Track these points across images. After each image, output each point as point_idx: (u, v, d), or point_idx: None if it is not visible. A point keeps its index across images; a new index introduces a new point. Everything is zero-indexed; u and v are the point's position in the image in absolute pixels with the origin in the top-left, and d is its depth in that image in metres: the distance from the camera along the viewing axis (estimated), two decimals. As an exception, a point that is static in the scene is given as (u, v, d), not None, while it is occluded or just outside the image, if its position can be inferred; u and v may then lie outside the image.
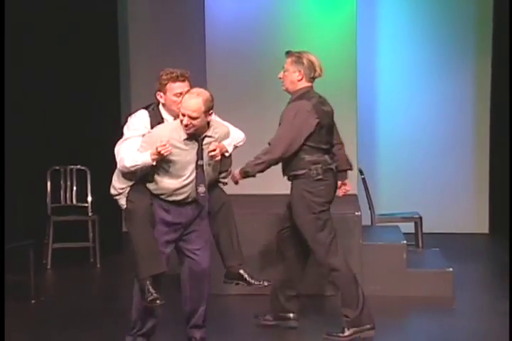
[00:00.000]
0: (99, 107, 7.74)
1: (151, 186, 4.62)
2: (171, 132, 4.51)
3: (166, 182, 4.58)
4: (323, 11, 7.24)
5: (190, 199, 4.64)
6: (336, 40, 7.17)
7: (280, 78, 5.15)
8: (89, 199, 7.49)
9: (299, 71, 5.11)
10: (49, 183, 7.44)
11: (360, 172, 7.42)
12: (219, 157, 4.61)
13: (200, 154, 4.54)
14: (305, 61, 5.11)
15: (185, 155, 4.53)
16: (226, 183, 4.92)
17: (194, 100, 4.45)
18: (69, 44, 7.65)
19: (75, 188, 7.54)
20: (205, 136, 4.56)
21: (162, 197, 4.62)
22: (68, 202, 7.49)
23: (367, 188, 7.40)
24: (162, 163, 4.51)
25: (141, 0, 8.49)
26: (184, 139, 4.50)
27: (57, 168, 7.52)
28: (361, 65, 7.62)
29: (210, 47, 7.11)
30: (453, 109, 8.64)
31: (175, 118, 4.62)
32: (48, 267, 7.16)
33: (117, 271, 7.11)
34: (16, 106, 7.53)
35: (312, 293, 6.03)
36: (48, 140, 7.65)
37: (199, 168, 4.54)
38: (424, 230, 7.34)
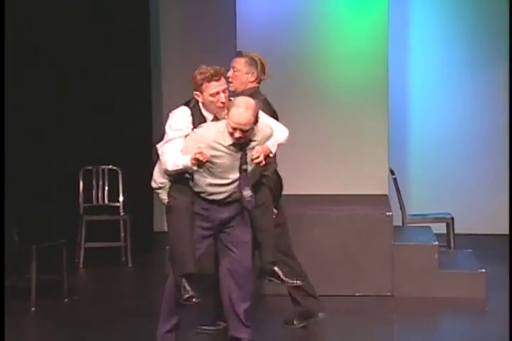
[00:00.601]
0: (130, 107, 7.77)
1: (194, 183, 4.56)
2: (216, 135, 4.47)
3: (207, 182, 4.54)
4: (355, 11, 7.23)
5: (230, 200, 4.60)
6: (368, 40, 7.15)
7: (229, 77, 5.02)
8: (121, 199, 7.51)
9: (252, 73, 5.08)
10: (81, 183, 7.49)
11: (392, 172, 7.40)
12: (263, 163, 4.55)
13: (244, 159, 4.50)
14: (258, 63, 5.10)
15: (228, 159, 4.48)
16: (268, 176, 4.87)
17: (244, 115, 4.39)
18: (101, 44, 7.69)
19: (106, 188, 7.57)
20: (249, 140, 4.50)
21: (202, 195, 4.58)
22: (100, 201, 7.53)
23: (398, 188, 7.37)
24: (206, 165, 4.47)
25: (173, 0, 8.52)
26: (228, 145, 4.45)
27: (90, 168, 7.56)
28: (392, 65, 7.58)
29: (241, 48, 6.87)
30: (484, 109, 8.58)
31: (214, 117, 4.59)
32: (80, 266, 7.20)
33: (148, 270, 7.14)
34: (49, 107, 7.59)
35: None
36: (80, 140, 7.70)
37: (243, 172, 4.50)
38: (456, 231, 7.30)
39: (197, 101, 4.65)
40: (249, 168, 4.53)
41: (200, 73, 4.55)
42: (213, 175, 4.51)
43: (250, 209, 4.60)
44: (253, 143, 4.51)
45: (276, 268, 4.81)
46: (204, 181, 4.54)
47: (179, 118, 4.59)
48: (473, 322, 5.53)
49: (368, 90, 6.97)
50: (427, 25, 8.54)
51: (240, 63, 5.10)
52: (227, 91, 4.61)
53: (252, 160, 4.51)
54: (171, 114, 4.67)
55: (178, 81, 8.04)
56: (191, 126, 4.57)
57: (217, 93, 4.54)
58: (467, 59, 8.51)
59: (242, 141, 4.46)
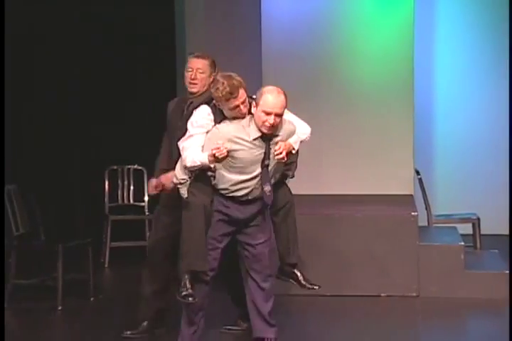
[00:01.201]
0: (156, 108, 7.77)
1: (215, 180, 4.55)
2: (237, 131, 4.45)
3: (228, 178, 4.51)
4: (381, 11, 7.20)
5: (250, 197, 4.56)
6: (394, 39, 7.11)
7: (194, 79, 4.86)
8: (146, 198, 7.52)
9: (212, 75, 4.88)
10: (107, 183, 7.54)
11: (417, 172, 7.36)
12: (285, 159, 4.52)
13: (267, 154, 4.47)
14: (215, 66, 4.98)
15: (250, 154, 4.45)
16: (293, 176, 4.84)
17: (278, 98, 4.38)
18: (126, 44, 7.73)
19: (132, 188, 7.61)
20: (273, 135, 4.48)
21: (223, 192, 4.55)
22: (125, 201, 7.57)
23: (423, 189, 7.33)
24: (228, 158, 4.42)
25: (198, 1, 8.53)
26: (253, 139, 4.43)
27: (115, 167, 7.60)
28: (418, 65, 7.55)
29: (266, 48, 7.13)
30: (510, 110, 8.50)
31: (233, 118, 4.55)
32: (106, 266, 7.24)
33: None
34: (74, 107, 7.63)
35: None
36: (106, 140, 7.74)
37: (265, 167, 4.47)
38: (482, 231, 7.26)
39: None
40: (271, 163, 4.49)
41: (218, 90, 4.45)
42: (234, 170, 4.48)
43: (270, 205, 4.55)
44: (276, 139, 4.48)
45: (296, 271, 4.81)
46: (225, 177, 4.51)
47: (200, 116, 4.58)
48: (500, 323, 5.47)
49: (394, 90, 6.96)
50: (452, 25, 8.49)
51: (204, 65, 4.92)
52: (246, 101, 4.51)
53: (275, 155, 4.47)
54: (194, 111, 4.65)
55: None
56: (212, 124, 4.55)
57: (238, 106, 4.49)
58: (493, 59, 8.45)
59: (272, 132, 4.40)
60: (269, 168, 4.50)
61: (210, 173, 4.55)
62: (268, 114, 4.36)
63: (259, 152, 4.46)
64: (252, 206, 4.60)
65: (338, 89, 7.19)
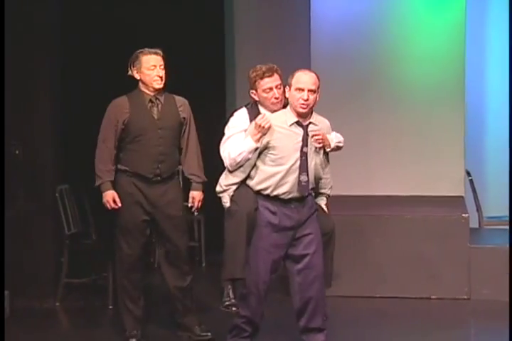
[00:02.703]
0: (204, 109, 7.74)
1: (256, 179, 4.53)
2: (275, 119, 4.49)
3: (268, 171, 4.49)
4: (432, 10, 7.11)
5: (292, 195, 4.49)
6: (445, 39, 7.01)
7: (161, 77, 5.02)
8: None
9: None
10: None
11: (468, 173, 7.27)
12: (321, 144, 4.51)
13: (305, 141, 4.47)
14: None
15: (289, 141, 4.46)
16: (328, 196, 4.82)
17: (311, 74, 4.47)
18: (174, 44, 7.71)
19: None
20: (310, 123, 4.51)
21: (267, 192, 4.50)
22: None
23: (474, 190, 7.25)
24: (266, 151, 4.46)
25: (247, 3, 8.51)
26: (290, 124, 4.45)
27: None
28: (470, 65, 7.43)
29: (316, 48, 7.09)
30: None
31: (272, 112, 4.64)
32: (155, 266, 6.95)
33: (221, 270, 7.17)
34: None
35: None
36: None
37: (303, 155, 4.46)
38: (535, 234, 7.16)
39: (255, 102, 4.80)
40: (310, 152, 4.47)
41: (253, 71, 4.73)
42: (273, 163, 4.47)
43: (304, 195, 4.50)
44: (314, 127, 4.51)
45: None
46: (264, 172, 4.49)
47: (235, 119, 4.76)
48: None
49: (445, 90, 6.87)
50: (505, 23, 8.33)
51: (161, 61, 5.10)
52: (281, 86, 4.67)
53: (312, 136, 4.47)
54: (230, 118, 4.81)
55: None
56: (249, 122, 4.64)
57: (271, 89, 4.67)
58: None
59: (307, 110, 4.42)
60: (308, 157, 4.48)
61: (250, 173, 4.51)
62: (301, 90, 4.41)
63: (297, 140, 4.46)
64: (297, 210, 4.53)
65: (388, 89, 7.10)
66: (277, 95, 4.67)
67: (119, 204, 4.98)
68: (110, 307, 5.91)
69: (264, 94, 4.68)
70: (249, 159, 4.50)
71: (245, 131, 4.60)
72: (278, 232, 4.53)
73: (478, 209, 7.18)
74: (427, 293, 6.08)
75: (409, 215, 6.17)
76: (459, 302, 5.97)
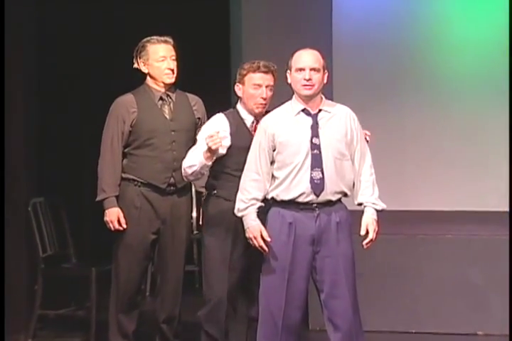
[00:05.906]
0: (210, 107, 7.49)
1: (272, 188, 4.19)
2: (279, 111, 4.25)
3: (279, 173, 4.14)
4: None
5: (308, 198, 4.07)
6: (487, 29, 6.50)
7: (172, 70, 4.83)
8: (194, 214, 6.79)
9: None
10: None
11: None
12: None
13: (315, 130, 4.11)
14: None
15: (296, 132, 4.13)
16: (377, 209, 4.28)
17: (309, 51, 4.18)
18: (182, 46, 7.47)
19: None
20: (320, 110, 4.17)
21: (279, 199, 4.12)
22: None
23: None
24: (276, 149, 4.14)
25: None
26: (296, 114, 4.16)
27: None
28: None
29: (338, 37, 6.59)
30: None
31: (254, 119, 4.43)
32: (147, 293, 6.79)
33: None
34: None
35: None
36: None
37: (315, 148, 4.08)
38: None
39: (236, 103, 4.57)
40: (322, 143, 4.10)
41: (248, 63, 4.45)
42: (283, 161, 4.14)
43: (317, 195, 4.09)
44: (326, 114, 4.18)
45: None
46: (276, 176, 4.15)
47: (207, 125, 4.53)
48: None
49: (493, 89, 6.43)
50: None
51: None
52: (272, 90, 4.44)
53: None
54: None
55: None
56: (228, 130, 4.40)
57: (260, 86, 4.38)
58: None
59: (313, 92, 4.13)
60: (322, 150, 4.11)
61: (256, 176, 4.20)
62: (301, 69, 4.14)
63: (305, 130, 4.13)
64: (316, 219, 4.11)
65: (426, 86, 6.63)
66: (265, 95, 4.42)
67: (124, 226, 4.74)
68: (92, 343, 5.54)
69: (252, 91, 4.40)
70: (202, 174, 4.33)
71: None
72: (297, 246, 4.13)
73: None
74: (473, 328, 5.76)
75: (451, 235, 5.91)
76: (511, 339, 5.61)
